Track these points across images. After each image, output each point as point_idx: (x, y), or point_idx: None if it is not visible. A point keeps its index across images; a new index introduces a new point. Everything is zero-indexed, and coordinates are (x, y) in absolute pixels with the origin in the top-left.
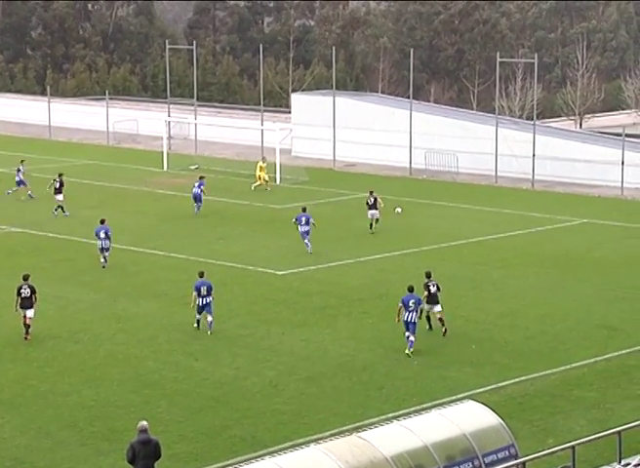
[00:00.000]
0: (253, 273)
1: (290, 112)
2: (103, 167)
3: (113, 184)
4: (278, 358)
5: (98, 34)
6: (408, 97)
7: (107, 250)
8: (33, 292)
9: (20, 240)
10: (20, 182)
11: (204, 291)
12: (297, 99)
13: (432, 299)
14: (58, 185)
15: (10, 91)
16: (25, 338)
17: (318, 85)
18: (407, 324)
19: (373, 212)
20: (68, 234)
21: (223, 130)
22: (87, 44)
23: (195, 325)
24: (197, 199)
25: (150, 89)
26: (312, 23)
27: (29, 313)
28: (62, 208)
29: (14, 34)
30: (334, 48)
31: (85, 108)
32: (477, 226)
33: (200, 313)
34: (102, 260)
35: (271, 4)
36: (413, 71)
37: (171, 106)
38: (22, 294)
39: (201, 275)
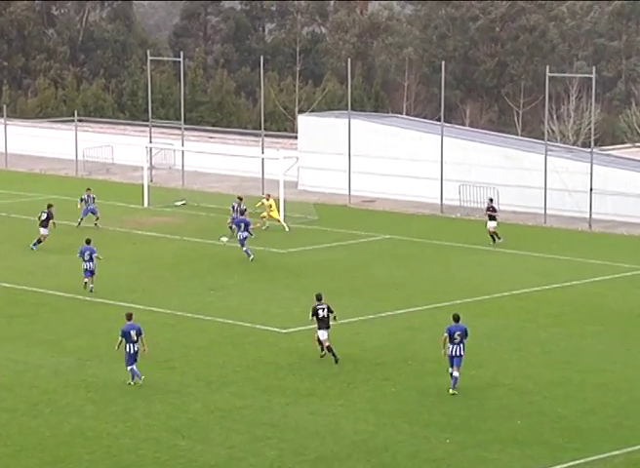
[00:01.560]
0: (251, 331)
1: (296, 137)
2: (71, 203)
3: (83, 224)
4: (281, 434)
5: (64, 43)
6: (438, 120)
7: (92, 273)
8: None
9: None
10: (88, 211)
11: (134, 335)
12: (304, 122)
13: (322, 324)
14: (44, 217)
15: None
16: None
17: (330, 104)
18: (451, 358)
19: None
20: (26, 284)
21: (216, 158)
22: (51, 55)
23: (130, 381)
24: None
25: (128, 109)
26: (323, 31)
27: None
28: (36, 241)
29: None
30: (349, 60)
31: (49, 132)
32: (522, 275)
33: (132, 363)
34: (87, 284)
35: (274, 7)
36: (444, 88)
37: (153, 130)
38: None
39: (129, 318)
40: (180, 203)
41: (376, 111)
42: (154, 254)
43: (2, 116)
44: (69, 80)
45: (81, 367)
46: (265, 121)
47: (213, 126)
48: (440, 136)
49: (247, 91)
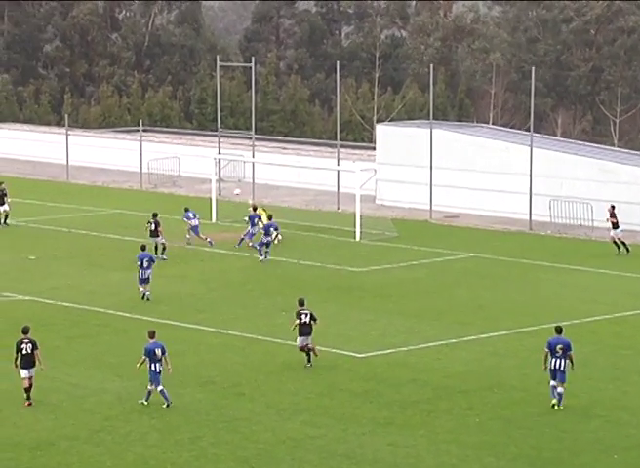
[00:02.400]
0: (325, 355)
1: (374, 148)
2: (135, 217)
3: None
4: (357, 467)
5: (129, 48)
6: (527, 130)
7: (148, 281)
8: (35, 347)
9: (27, 311)
10: (193, 229)
11: (158, 354)
12: (383, 132)
13: (304, 330)
14: (153, 227)
15: (18, 120)
16: (29, 404)
17: (410, 113)
18: (554, 372)
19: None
20: (88, 304)
21: (289, 171)
22: (115, 60)
23: (144, 401)
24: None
25: (196, 118)
26: (404, 34)
27: (31, 373)
28: (161, 250)
29: (23, 49)
30: (431, 65)
31: (112, 142)
32: (618, 298)
33: (159, 384)
34: (143, 292)
35: (351, 9)
36: (534, 96)
37: (222, 140)
38: (23, 351)
39: (152, 336)
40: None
41: (460, 121)
42: (222, 273)
43: (64, 125)
44: (134, 87)
45: (145, 392)
46: (341, 131)
47: (285, 136)
48: (529, 148)
49: (322, 98)
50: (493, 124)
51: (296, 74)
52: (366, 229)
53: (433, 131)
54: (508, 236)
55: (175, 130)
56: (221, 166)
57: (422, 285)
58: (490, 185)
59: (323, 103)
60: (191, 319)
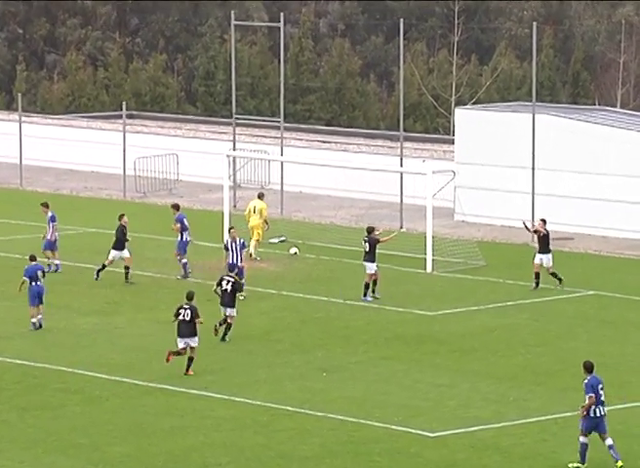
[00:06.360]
0: (383, 434)
1: (453, 142)
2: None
3: (135, 271)
4: None
5: (108, 1)
6: None
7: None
8: (195, 315)
9: None
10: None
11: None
12: (465, 119)
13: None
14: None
15: None
16: (186, 373)
17: (504, 93)
18: (596, 421)
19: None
20: (48, 361)
21: (331, 173)
22: (89, 19)
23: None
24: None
25: (201, 99)
26: None
27: (192, 342)
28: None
29: None
30: (534, 24)
31: (84, 134)
32: None
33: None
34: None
35: None
36: None
37: (238, 131)
38: (181, 317)
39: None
40: (277, 240)
41: (575, 103)
42: (252, 318)
43: (15, 110)
44: (114, 56)
45: None
46: (406, 117)
47: (327, 125)
48: None
49: (379, 72)
50: (622, 107)
51: (342, 38)
52: (441, 256)
53: (537, 117)
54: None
55: (172, 116)
56: (237, 167)
57: (521, 335)
58: (618, 195)
59: (381, 79)
60: (195, 383)
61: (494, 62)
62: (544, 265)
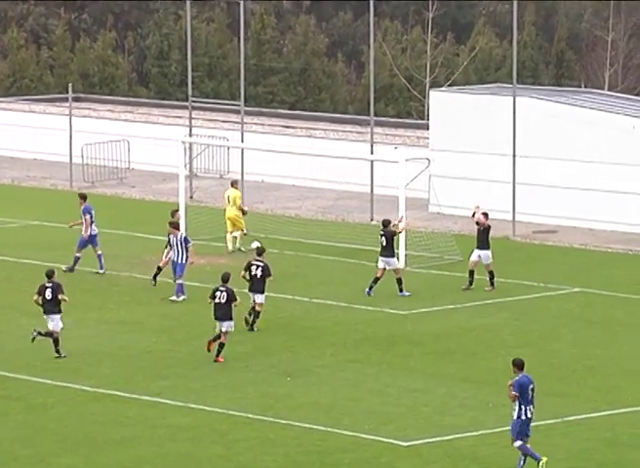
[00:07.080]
0: (352, 443)
1: (427, 127)
2: (63, 233)
3: (82, 267)
4: None
5: None
6: None
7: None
8: (231, 298)
9: None
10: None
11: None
12: (440, 102)
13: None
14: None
15: None
16: (216, 360)
17: (483, 73)
18: (526, 424)
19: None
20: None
21: (296, 161)
22: None
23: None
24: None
25: (154, 80)
26: None
27: (225, 326)
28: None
29: None
30: (515, 0)
31: (27, 118)
32: None
33: None
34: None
35: None
36: None
37: (195, 115)
38: (217, 299)
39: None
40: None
41: (559, 84)
42: (193, 317)
43: None
44: (59, 34)
45: None
46: (377, 100)
47: (291, 109)
48: None
49: (347, 51)
50: (609, 89)
51: (307, 14)
52: (415, 251)
53: (518, 100)
54: (632, 260)
55: (122, 99)
56: (194, 154)
57: (501, 336)
58: (605, 184)
59: (349, 59)
60: (147, 388)
61: (471, 41)
62: (483, 262)
